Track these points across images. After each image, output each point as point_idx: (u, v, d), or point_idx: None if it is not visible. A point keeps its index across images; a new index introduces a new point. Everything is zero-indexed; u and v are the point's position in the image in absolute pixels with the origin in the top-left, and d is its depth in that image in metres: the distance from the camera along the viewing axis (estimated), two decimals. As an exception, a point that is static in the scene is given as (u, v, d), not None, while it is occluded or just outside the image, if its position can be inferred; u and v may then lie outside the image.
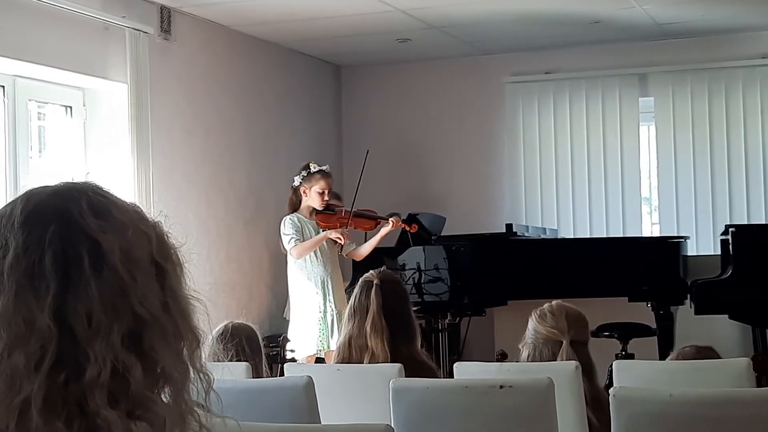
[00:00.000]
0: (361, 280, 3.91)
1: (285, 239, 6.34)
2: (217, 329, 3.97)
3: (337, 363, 3.79)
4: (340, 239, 6.30)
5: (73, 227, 1.13)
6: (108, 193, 1.20)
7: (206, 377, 1.20)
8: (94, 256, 1.12)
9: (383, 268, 4.10)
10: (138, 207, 1.21)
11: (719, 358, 3.83)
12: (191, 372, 1.18)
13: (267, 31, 7.47)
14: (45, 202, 1.16)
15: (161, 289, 1.16)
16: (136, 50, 6.06)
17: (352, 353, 3.76)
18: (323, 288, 6.32)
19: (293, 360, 5.86)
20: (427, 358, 3.81)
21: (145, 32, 6.15)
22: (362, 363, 3.69)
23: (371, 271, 3.92)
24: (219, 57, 7.17)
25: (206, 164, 6.95)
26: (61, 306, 1.10)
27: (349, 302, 3.90)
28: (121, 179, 5.87)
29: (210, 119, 7.02)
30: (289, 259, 6.42)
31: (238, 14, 6.90)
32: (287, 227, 6.34)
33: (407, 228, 6.81)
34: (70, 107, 6.13)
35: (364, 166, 6.49)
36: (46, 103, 6.07)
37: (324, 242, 6.44)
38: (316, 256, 6.38)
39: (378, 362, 3.65)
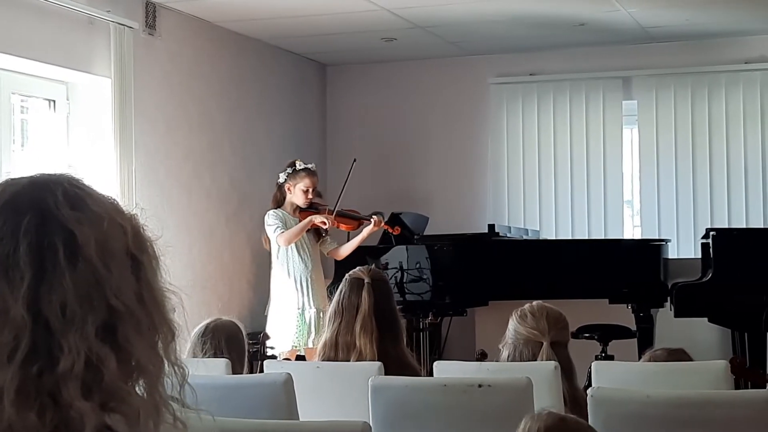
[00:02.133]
0: (348, 277, 3.84)
1: (269, 230, 6.34)
2: (198, 327, 3.95)
3: (321, 360, 3.76)
4: (324, 224, 6.31)
5: (49, 218, 1.13)
6: (84, 184, 1.19)
7: (181, 370, 1.20)
8: (69, 247, 1.12)
9: (372, 266, 4.07)
10: (114, 199, 1.21)
11: (690, 360, 3.85)
12: (166, 365, 1.18)
13: (252, 28, 7.46)
14: (20, 192, 1.16)
15: (136, 282, 1.16)
16: (120, 45, 6.05)
17: (338, 352, 3.71)
18: (304, 285, 6.33)
19: (273, 357, 5.86)
20: (412, 359, 3.80)
21: (130, 27, 6.13)
22: (348, 361, 3.67)
23: (359, 269, 3.86)
24: (204, 53, 7.16)
25: (189, 160, 6.94)
26: (35, 297, 1.10)
27: (335, 299, 3.82)
28: (104, 174, 5.86)
29: (194, 115, 7.01)
30: (273, 255, 6.43)
31: (224, 10, 6.89)
32: (271, 218, 6.37)
33: (390, 229, 6.83)
34: (54, 101, 6.10)
35: (349, 174, 6.47)
36: (30, 96, 6.04)
37: (307, 240, 6.44)
38: (298, 253, 6.38)
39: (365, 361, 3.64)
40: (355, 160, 6.54)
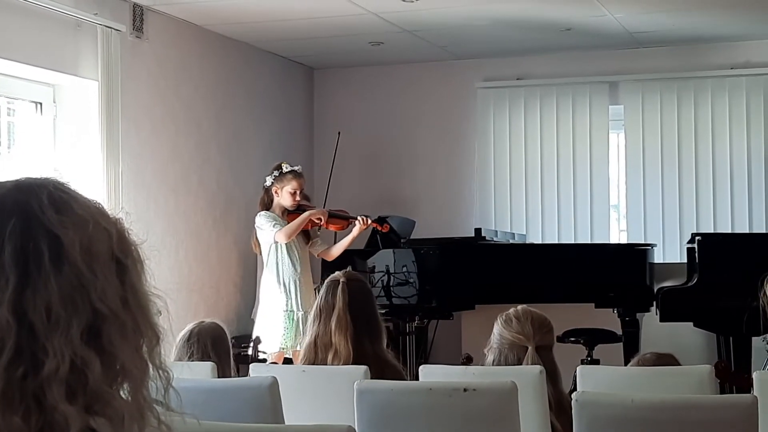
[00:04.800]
0: (327, 280, 3.93)
1: (267, 228, 6.31)
2: (183, 331, 3.96)
3: (303, 363, 3.79)
4: (320, 219, 6.36)
5: (34, 222, 1.13)
6: (69, 188, 1.19)
7: (165, 374, 1.20)
8: (54, 251, 1.12)
9: (348, 268, 4.14)
10: (99, 203, 1.21)
11: (679, 365, 3.86)
12: (150, 368, 1.18)
13: (239, 31, 7.46)
14: (5, 196, 1.16)
15: (121, 285, 1.16)
16: (107, 48, 6.04)
17: (318, 352, 3.76)
18: (293, 289, 6.32)
19: (264, 361, 5.86)
20: (393, 358, 3.83)
21: (117, 30, 6.12)
22: (327, 361, 3.70)
23: (337, 272, 3.95)
24: (191, 56, 7.15)
25: (176, 163, 6.93)
26: (20, 300, 1.10)
27: (315, 303, 3.93)
28: (91, 177, 5.85)
29: (180, 118, 7.00)
30: (264, 258, 6.43)
31: (211, 13, 6.88)
32: (263, 218, 6.35)
33: (378, 227, 6.83)
34: (40, 103, 6.09)
35: (336, 148, 6.48)
36: (16, 98, 6.03)
37: (296, 243, 6.44)
38: (288, 256, 6.38)
39: (341, 360, 3.66)
40: (339, 134, 6.57)
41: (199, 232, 7.15)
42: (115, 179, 6.01)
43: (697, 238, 6.48)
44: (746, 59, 7.86)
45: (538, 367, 3.34)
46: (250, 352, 6.09)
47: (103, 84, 6.00)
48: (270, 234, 6.29)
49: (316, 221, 6.41)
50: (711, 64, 7.92)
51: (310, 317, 3.93)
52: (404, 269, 6.76)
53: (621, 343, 6.54)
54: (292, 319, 6.30)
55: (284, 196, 6.42)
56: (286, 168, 6.45)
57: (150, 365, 1.19)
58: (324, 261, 6.75)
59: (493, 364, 3.57)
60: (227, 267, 7.42)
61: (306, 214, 6.34)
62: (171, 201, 6.85)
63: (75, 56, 5.97)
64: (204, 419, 1.97)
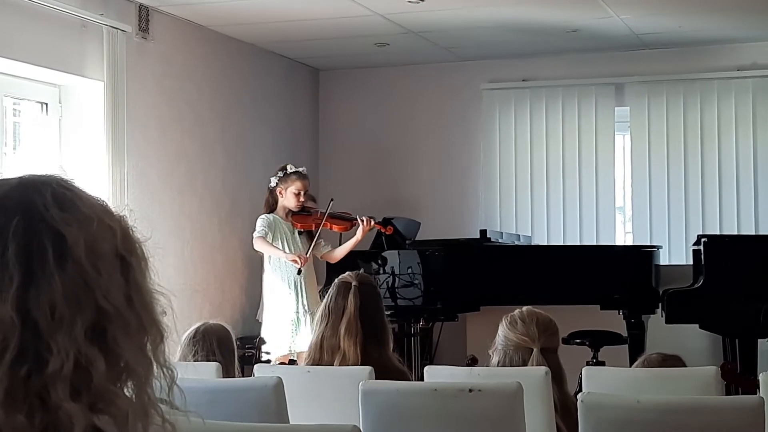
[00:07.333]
0: (337, 280, 3.87)
1: (255, 232, 6.35)
2: (188, 331, 3.96)
3: (307, 363, 3.77)
4: (296, 262, 6.25)
5: (38, 219, 1.13)
6: (73, 185, 1.19)
7: (169, 372, 1.20)
8: (58, 249, 1.11)
9: (361, 270, 4.09)
10: (103, 200, 1.20)
11: (685, 366, 3.85)
12: (154, 366, 1.18)
13: (245, 32, 7.46)
14: (9, 193, 1.15)
15: (125, 283, 1.16)
16: (113, 48, 6.04)
17: (323, 354, 3.74)
18: (297, 289, 6.33)
19: (268, 362, 5.86)
20: (399, 363, 3.80)
21: (123, 30, 6.13)
22: (332, 364, 3.69)
23: (348, 273, 3.89)
24: (196, 57, 7.16)
25: (181, 164, 6.93)
26: (24, 298, 1.09)
27: (323, 302, 3.87)
28: (96, 178, 5.86)
29: (186, 119, 7.00)
30: (265, 260, 6.44)
31: (216, 14, 6.89)
32: (259, 223, 6.38)
33: (382, 229, 6.83)
34: (46, 104, 6.10)
35: (327, 210, 6.48)
36: (22, 99, 6.04)
37: (299, 244, 6.45)
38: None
39: (348, 364, 3.65)
40: (331, 200, 6.55)
41: (204, 234, 7.15)
42: (120, 180, 6.02)
43: (702, 239, 6.47)
44: (753, 61, 7.85)
45: (543, 369, 3.33)
46: (254, 352, 6.09)
47: (108, 85, 6.00)
48: (254, 234, 6.31)
49: (293, 263, 6.29)
50: (717, 65, 7.91)
51: (317, 317, 3.89)
52: (409, 271, 6.76)
53: (626, 345, 6.54)
54: (299, 321, 6.30)
55: (288, 197, 6.43)
56: (290, 169, 6.46)
57: (154, 363, 1.18)
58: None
59: (498, 366, 3.56)
60: (232, 268, 7.42)
61: (283, 254, 6.25)
62: (176, 202, 6.85)
63: (81, 57, 5.97)
64: (209, 419, 1.97)
